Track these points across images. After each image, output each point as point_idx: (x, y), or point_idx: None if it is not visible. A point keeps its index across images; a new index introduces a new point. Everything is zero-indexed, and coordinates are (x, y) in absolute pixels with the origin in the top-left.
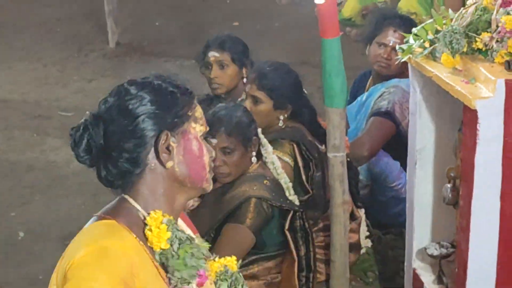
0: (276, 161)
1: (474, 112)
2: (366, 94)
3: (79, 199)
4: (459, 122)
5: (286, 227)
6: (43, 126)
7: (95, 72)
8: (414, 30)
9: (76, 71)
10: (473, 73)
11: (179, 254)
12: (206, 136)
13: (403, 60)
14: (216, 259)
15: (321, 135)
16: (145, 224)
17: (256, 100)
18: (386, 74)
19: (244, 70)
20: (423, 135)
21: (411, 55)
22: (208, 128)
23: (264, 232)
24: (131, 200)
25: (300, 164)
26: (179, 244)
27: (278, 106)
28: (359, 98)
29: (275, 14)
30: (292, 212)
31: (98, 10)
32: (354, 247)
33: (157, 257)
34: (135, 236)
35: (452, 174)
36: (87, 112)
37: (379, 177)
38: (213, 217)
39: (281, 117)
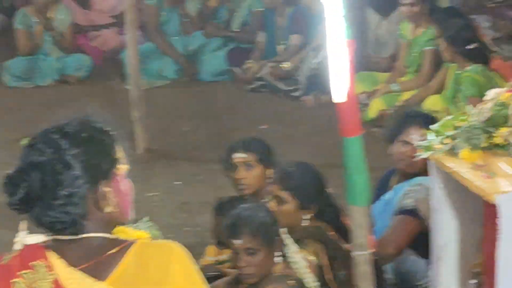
0: (301, 261)
1: (495, 206)
2: (390, 192)
3: None
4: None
5: None
6: None
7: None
8: (433, 127)
9: None
10: (493, 168)
11: None
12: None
13: (422, 157)
14: None
15: (346, 233)
16: None
17: (280, 200)
18: (410, 172)
19: (269, 171)
20: (445, 231)
21: (431, 152)
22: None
23: None
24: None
25: (326, 263)
26: None
27: (303, 206)
28: (383, 197)
29: (301, 117)
30: None
31: (125, 117)
32: None
33: None
34: None
35: (476, 270)
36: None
37: (406, 275)
38: None
39: (306, 217)
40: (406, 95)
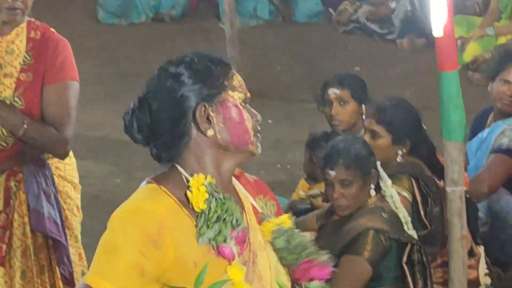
0: (395, 194)
1: None
2: (487, 130)
3: None
4: None
5: (404, 260)
6: None
7: None
8: None
9: None
10: None
11: (213, 213)
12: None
13: None
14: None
15: (439, 170)
16: (188, 187)
17: (374, 135)
18: (509, 111)
19: (363, 107)
20: None
21: None
22: (249, 95)
23: (382, 265)
24: (178, 167)
25: (419, 199)
26: (216, 204)
27: (397, 141)
28: (479, 135)
29: (395, 60)
30: (410, 245)
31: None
32: (473, 284)
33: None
34: (175, 199)
35: None
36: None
37: (499, 215)
38: (332, 248)
39: (400, 152)
40: (502, 40)
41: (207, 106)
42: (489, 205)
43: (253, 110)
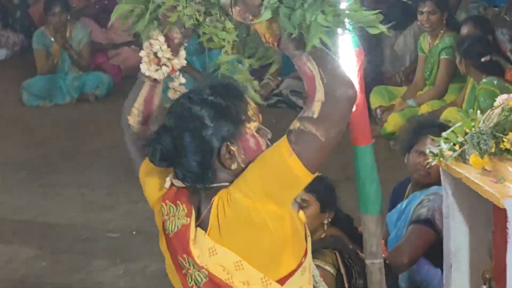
0: (315, 269)
1: (504, 211)
2: (405, 201)
3: None
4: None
5: None
6: (90, 249)
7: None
8: (443, 134)
9: (124, 194)
10: (502, 173)
11: None
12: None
13: (433, 163)
14: None
15: (360, 241)
16: None
17: (305, 203)
18: (426, 182)
19: None
20: (457, 238)
21: (442, 159)
22: (261, 118)
23: None
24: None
25: (343, 272)
26: None
27: (324, 209)
28: (398, 206)
29: None
30: None
31: None
32: None
33: None
34: None
35: (487, 276)
36: (159, 125)
37: (420, 285)
38: None
39: (326, 221)
40: (424, 109)
41: (229, 145)
42: (410, 275)
43: (264, 129)
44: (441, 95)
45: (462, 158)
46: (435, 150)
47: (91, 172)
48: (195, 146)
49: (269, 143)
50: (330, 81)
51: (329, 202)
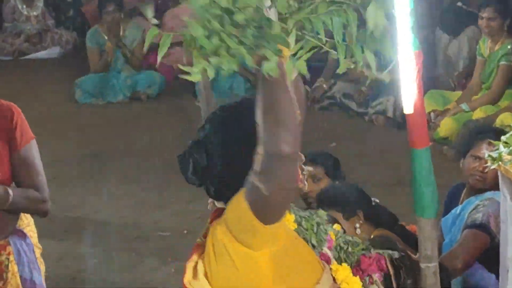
0: None
1: None
2: (460, 206)
3: None
4: None
5: None
6: (141, 247)
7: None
8: (503, 138)
9: (175, 194)
10: None
11: (307, 228)
12: None
13: (493, 167)
14: None
15: (413, 242)
16: None
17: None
18: (481, 187)
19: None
20: None
21: (500, 163)
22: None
23: None
24: None
25: (391, 272)
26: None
27: (348, 215)
28: (453, 211)
29: (370, 137)
30: None
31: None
32: None
33: None
34: None
35: None
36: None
37: None
38: None
39: (357, 225)
40: (478, 114)
41: None
42: (464, 280)
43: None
44: (496, 101)
45: None
46: (494, 154)
47: (142, 171)
48: (226, 157)
49: (303, 166)
50: (269, 134)
51: (351, 207)
